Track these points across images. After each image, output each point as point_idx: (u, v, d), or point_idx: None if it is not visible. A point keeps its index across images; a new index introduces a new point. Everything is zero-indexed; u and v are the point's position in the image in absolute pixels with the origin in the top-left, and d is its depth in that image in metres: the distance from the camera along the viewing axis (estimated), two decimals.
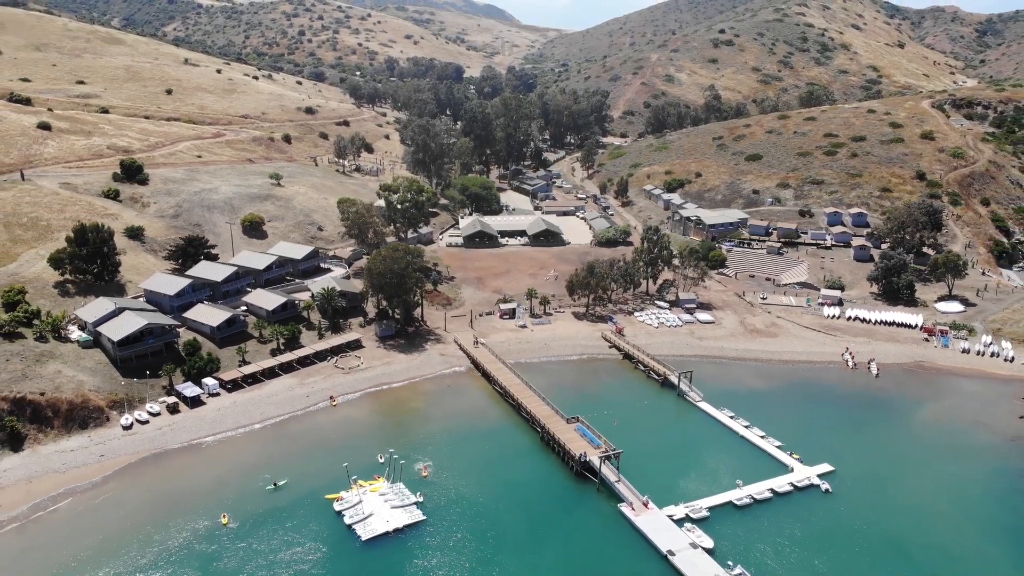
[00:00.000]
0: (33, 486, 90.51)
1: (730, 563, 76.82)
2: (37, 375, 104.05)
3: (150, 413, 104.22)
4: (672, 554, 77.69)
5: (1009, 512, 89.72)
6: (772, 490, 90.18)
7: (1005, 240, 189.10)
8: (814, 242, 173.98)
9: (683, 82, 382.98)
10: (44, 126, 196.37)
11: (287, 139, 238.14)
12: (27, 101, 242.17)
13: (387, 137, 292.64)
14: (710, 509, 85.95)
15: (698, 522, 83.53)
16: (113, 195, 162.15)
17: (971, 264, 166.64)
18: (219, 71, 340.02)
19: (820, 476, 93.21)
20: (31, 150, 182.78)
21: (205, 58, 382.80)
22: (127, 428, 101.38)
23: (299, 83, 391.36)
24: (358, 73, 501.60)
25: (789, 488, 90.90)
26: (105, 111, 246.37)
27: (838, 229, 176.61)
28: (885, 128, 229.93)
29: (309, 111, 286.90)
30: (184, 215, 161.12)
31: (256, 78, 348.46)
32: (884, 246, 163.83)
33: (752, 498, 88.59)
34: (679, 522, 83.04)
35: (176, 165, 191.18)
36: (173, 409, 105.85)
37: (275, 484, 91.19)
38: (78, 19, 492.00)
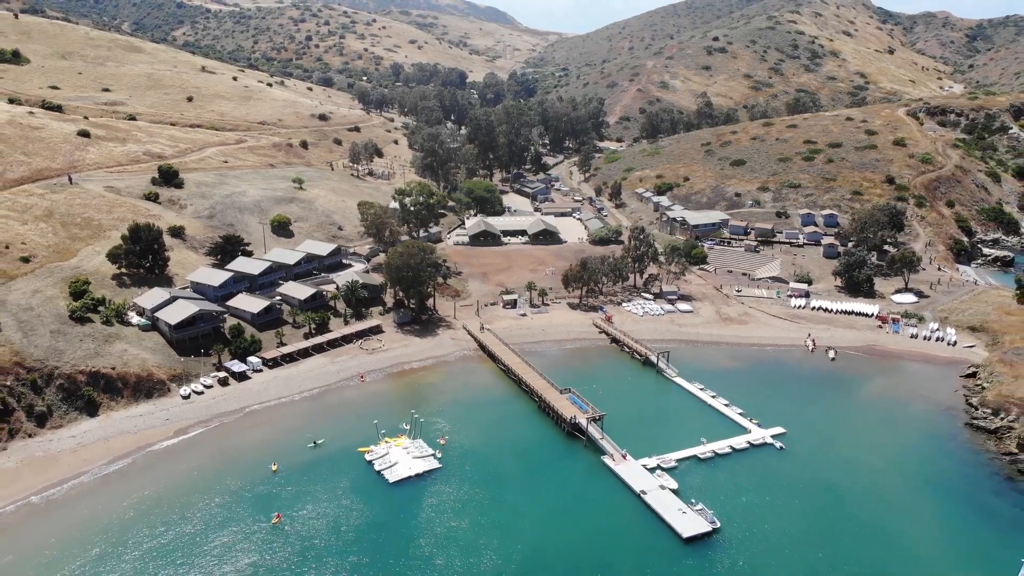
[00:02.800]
0: (111, 444, 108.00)
1: (692, 500, 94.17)
2: (107, 353, 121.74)
3: (204, 386, 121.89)
4: (644, 493, 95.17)
5: (931, 467, 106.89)
6: (731, 447, 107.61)
7: (966, 239, 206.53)
8: (788, 241, 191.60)
9: (677, 88, 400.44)
10: (84, 133, 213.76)
11: (304, 145, 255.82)
12: (59, 108, 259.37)
13: (395, 142, 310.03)
14: (678, 461, 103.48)
15: (667, 470, 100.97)
16: (153, 197, 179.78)
17: (930, 260, 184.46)
18: (235, 78, 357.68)
19: (774, 436, 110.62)
20: (74, 156, 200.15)
21: (221, 65, 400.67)
22: (186, 398, 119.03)
23: (309, 89, 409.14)
24: (364, 78, 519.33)
25: (746, 445, 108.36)
26: (132, 118, 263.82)
27: (810, 229, 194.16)
28: (861, 135, 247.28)
29: (322, 118, 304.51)
30: (218, 216, 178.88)
31: (270, 85, 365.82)
32: (850, 244, 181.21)
33: (714, 452, 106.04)
34: (651, 470, 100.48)
35: (206, 170, 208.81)
36: (223, 382, 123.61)
37: (315, 442, 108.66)
38: (94, 26, 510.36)
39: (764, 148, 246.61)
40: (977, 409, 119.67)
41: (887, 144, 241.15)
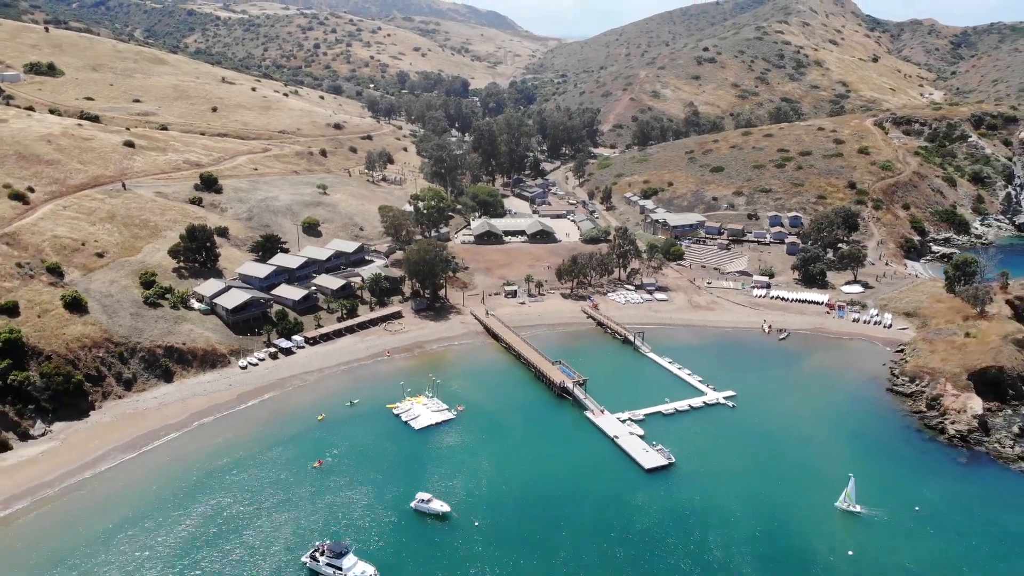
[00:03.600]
0: (187, 404, 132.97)
1: (655, 443, 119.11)
2: (177, 331, 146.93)
3: (258, 359, 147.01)
4: (616, 437, 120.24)
5: (854, 421, 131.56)
6: (690, 405, 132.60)
7: (917, 238, 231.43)
8: (756, 240, 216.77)
9: (668, 97, 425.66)
10: (129, 144, 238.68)
11: (324, 153, 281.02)
12: (96, 119, 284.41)
13: (405, 149, 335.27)
14: (645, 415, 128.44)
15: (636, 422, 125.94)
16: (197, 202, 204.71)
17: (879, 256, 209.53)
18: (254, 89, 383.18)
19: (726, 398, 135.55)
20: (123, 164, 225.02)
21: (239, 76, 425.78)
22: (243, 368, 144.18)
23: (321, 97, 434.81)
24: (372, 86, 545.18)
25: (702, 405, 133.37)
26: (165, 128, 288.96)
27: (776, 229, 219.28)
28: (829, 144, 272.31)
29: (337, 127, 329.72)
30: (255, 218, 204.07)
31: (286, 95, 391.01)
32: (808, 243, 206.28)
33: (675, 409, 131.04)
34: (623, 421, 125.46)
35: (239, 177, 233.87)
36: (274, 356, 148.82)
37: (351, 402, 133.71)
38: (114, 36, 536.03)
39: (741, 156, 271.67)
40: (898, 377, 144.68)
41: (852, 152, 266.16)
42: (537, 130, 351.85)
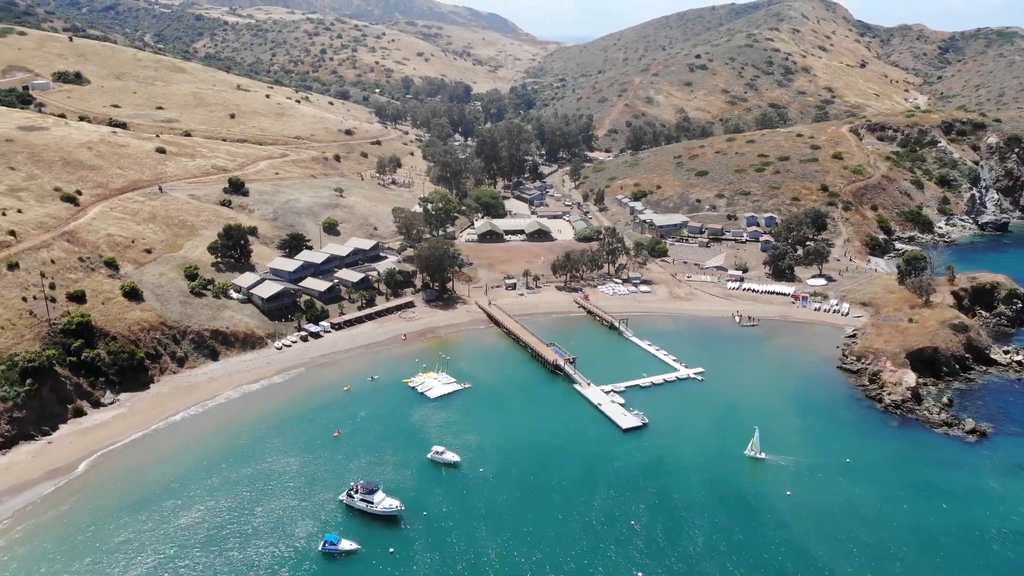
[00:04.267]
0: (232, 378, 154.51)
1: (633, 409, 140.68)
2: (221, 317, 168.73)
3: (292, 341, 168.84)
4: (600, 404, 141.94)
5: (805, 393, 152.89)
6: (664, 379, 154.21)
7: (882, 236, 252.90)
8: (733, 238, 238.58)
9: (661, 103, 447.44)
10: (160, 150, 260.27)
11: (337, 158, 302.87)
12: (124, 125, 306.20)
13: (411, 154, 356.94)
14: (625, 387, 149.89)
15: (618, 393, 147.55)
16: (227, 204, 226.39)
17: (845, 253, 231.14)
18: (267, 96, 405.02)
19: (696, 373, 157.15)
20: (157, 169, 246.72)
21: (252, 83, 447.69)
22: (279, 349, 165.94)
23: (330, 103, 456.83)
24: (378, 91, 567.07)
25: (675, 379, 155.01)
26: (188, 134, 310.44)
27: (752, 228, 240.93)
28: (806, 149, 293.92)
29: (348, 132, 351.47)
30: (280, 218, 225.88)
31: (298, 102, 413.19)
32: (780, 241, 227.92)
33: (652, 383, 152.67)
34: (606, 392, 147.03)
35: (263, 181, 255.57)
36: (304, 339, 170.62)
37: (372, 377, 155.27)
38: (128, 42, 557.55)
39: (725, 161, 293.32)
40: (847, 357, 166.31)
41: (827, 157, 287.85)
42: (536, 136, 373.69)
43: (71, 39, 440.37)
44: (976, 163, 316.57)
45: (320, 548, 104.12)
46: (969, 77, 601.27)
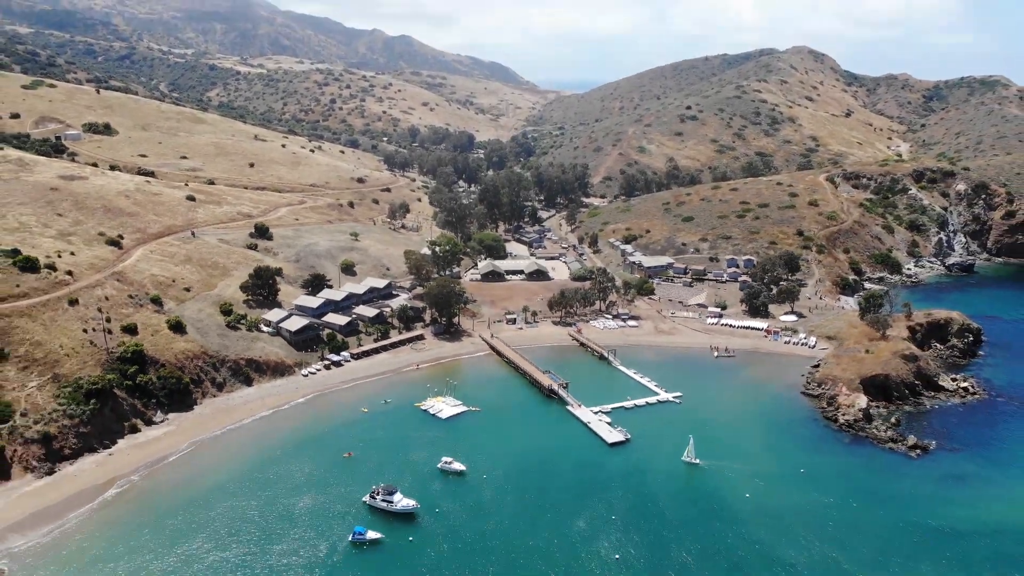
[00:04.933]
0: (265, 401, 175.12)
1: (618, 427, 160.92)
2: (254, 348, 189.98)
3: (315, 369, 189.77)
4: (589, 423, 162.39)
5: (771, 414, 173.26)
6: (647, 402, 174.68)
7: (852, 277, 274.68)
8: (715, 279, 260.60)
9: (653, 152, 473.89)
10: (191, 198, 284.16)
11: (351, 205, 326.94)
12: (152, 174, 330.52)
13: (419, 200, 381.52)
14: (612, 408, 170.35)
15: (605, 413, 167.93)
16: (253, 247, 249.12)
17: (816, 292, 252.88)
18: (283, 145, 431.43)
19: (674, 397, 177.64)
20: (188, 216, 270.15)
21: (268, 133, 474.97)
22: (305, 376, 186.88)
23: (342, 152, 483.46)
24: (385, 139, 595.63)
25: (656, 402, 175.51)
26: (212, 182, 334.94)
27: (732, 270, 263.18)
28: (785, 197, 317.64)
29: (360, 180, 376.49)
30: (302, 260, 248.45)
31: (312, 151, 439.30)
32: (756, 281, 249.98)
33: (635, 405, 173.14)
34: (595, 412, 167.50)
35: (284, 226, 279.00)
36: (327, 367, 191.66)
37: (386, 400, 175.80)
38: (147, 92, 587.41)
39: (709, 207, 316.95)
40: (809, 384, 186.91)
41: (804, 204, 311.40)
42: (535, 183, 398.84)
43: (98, 91, 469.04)
44: (945, 209, 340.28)
45: (350, 538, 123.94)
46: (950, 125, 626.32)
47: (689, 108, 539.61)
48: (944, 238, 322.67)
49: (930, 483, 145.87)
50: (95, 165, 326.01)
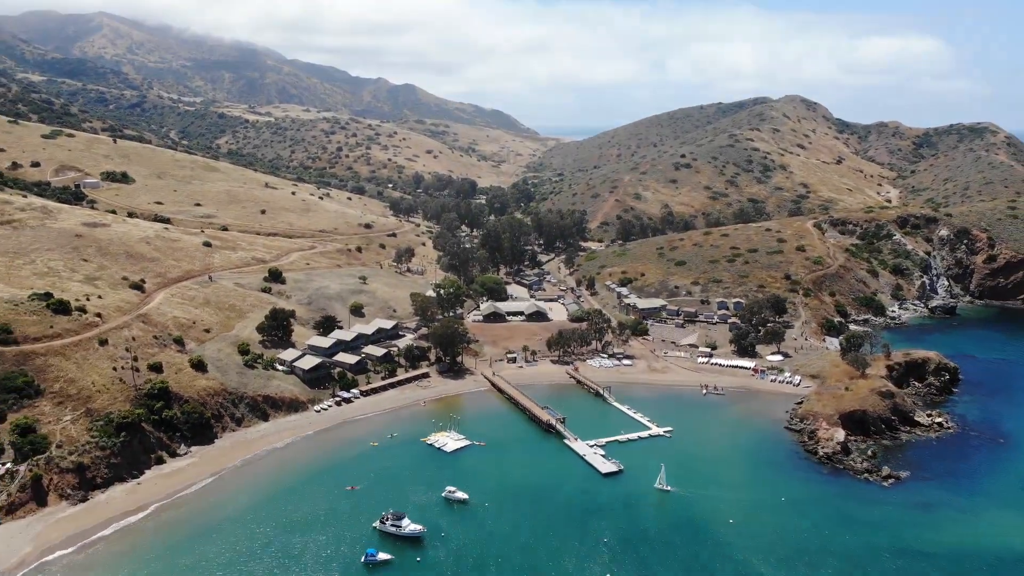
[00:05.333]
0: (280, 434, 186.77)
1: (612, 459, 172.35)
2: (270, 385, 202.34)
3: (327, 405, 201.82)
4: (584, 455, 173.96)
5: (756, 447, 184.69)
6: (639, 436, 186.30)
7: (838, 319, 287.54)
8: (705, 320, 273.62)
9: (648, 199, 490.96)
10: (207, 244, 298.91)
11: (359, 250, 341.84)
12: (168, 221, 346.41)
13: (423, 244, 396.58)
14: (606, 442, 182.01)
15: (600, 446, 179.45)
16: (267, 290, 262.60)
17: (802, 333, 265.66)
18: (293, 192, 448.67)
19: (665, 431, 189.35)
20: (205, 261, 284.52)
21: (278, 181, 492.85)
22: (318, 412, 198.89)
23: (349, 199, 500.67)
24: (390, 186, 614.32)
25: (647, 436, 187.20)
26: (225, 228, 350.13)
27: (722, 312, 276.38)
28: (773, 243, 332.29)
29: (367, 226, 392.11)
30: (314, 303, 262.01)
31: (320, 198, 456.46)
32: (744, 322, 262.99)
33: (628, 439, 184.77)
34: (591, 446, 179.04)
35: (296, 270, 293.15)
36: (338, 404, 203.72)
37: (392, 434, 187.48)
38: (156, 139, 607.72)
39: (701, 252, 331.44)
40: (792, 419, 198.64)
41: (791, 249, 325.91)
42: (534, 228, 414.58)
43: (115, 141, 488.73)
44: (928, 253, 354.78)
45: (362, 560, 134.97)
46: (939, 171, 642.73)
47: (683, 156, 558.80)
48: (927, 281, 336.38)
49: (900, 509, 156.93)
50: (114, 212, 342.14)
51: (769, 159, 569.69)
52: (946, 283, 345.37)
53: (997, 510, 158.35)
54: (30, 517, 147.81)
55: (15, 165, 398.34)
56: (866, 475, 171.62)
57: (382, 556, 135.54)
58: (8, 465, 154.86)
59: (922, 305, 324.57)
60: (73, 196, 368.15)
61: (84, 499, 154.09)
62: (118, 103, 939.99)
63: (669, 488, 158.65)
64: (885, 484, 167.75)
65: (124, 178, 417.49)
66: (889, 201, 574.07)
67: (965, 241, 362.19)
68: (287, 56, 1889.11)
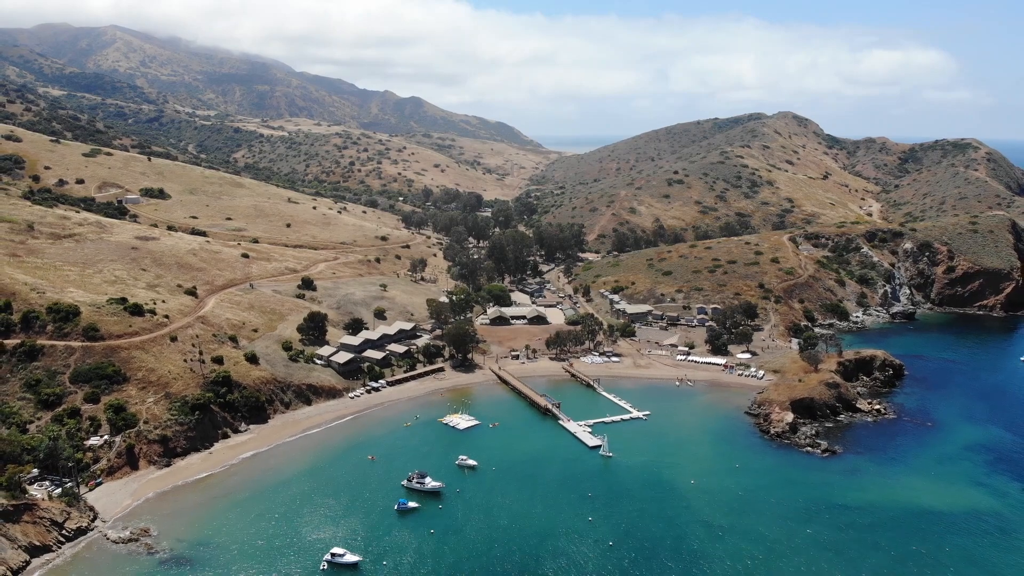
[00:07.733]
0: (322, 416, 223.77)
1: (599, 435, 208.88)
2: (311, 376, 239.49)
3: (359, 393, 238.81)
4: (575, 433, 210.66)
5: (719, 428, 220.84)
6: (622, 418, 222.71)
7: (804, 323, 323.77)
8: (686, 323, 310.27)
9: (642, 213, 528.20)
10: (245, 255, 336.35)
11: (378, 260, 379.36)
12: (204, 234, 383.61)
13: (435, 255, 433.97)
14: (594, 423, 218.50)
15: (588, 426, 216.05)
16: (302, 296, 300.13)
17: (770, 335, 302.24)
18: (314, 207, 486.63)
19: (644, 414, 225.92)
20: (246, 270, 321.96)
21: (298, 195, 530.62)
22: (352, 398, 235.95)
23: (364, 212, 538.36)
24: (401, 199, 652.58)
25: (629, 418, 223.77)
26: (256, 241, 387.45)
27: (701, 316, 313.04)
28: (751, 255, 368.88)
29: (383, 239, 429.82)
30: (342, 308, 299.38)
31: (339, 212, 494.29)
32: (718, 325, 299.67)
33: (612, 420, 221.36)
34: (580, 425, 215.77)
35: (324, 279, 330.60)
36: (368, 392, 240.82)
37: (416, 417, 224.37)
38: (189, 160, 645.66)
39: (686, 263, 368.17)
40: (752, 406, 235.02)
41: (767, 261, 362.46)
42: (536, 240, 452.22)
43: (150, 159, 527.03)
44: (892, 265, 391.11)
45: (396, 507, 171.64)
46: (919, 186, 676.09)
47: (676, 172, 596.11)
48: (890, 290, 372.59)
49: (832, 474, 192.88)
50: (155, 226, 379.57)
51: (757, 175, 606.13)
52: (908, 292, 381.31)
53: (912, 476, 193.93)
54: (126, 478, 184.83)
55: (61, 182, 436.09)
56: (808, 448, 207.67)
57: (411, 504, 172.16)
58: (106, 437, 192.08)
59: (884, 311, 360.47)
60: (117, 211, 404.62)
61: (168, 464, 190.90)
62: (136, 117, 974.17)
63: (611, 454, 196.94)
64: (823, 456, 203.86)
65: (161, 194, 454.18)
66: (870, 215, 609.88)
67: (927, 254, 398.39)
68: (295, 68, 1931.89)
